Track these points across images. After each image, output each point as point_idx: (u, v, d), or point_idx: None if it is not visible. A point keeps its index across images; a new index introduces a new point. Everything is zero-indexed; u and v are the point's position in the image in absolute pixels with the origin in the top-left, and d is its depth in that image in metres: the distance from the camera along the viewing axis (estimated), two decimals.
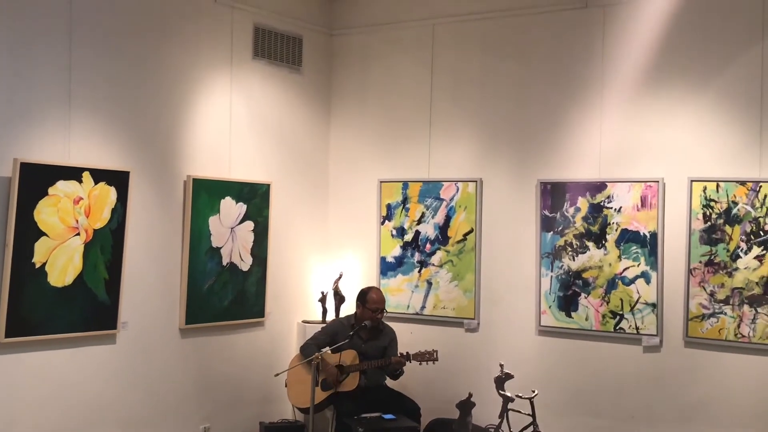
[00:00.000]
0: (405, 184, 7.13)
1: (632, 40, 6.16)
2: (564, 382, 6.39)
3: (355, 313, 6.60)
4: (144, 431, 6.01)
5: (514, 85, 6.68)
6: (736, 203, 5.74)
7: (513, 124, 6.68)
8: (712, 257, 5.82)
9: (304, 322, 7.17)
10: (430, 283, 7.00)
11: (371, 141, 7.39)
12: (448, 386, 6.72)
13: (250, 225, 6.72)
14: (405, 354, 6.34)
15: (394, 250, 7.17)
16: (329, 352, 6.14)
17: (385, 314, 6.59)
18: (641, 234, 6.10)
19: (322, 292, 7.21)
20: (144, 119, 5.99)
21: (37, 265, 5.23)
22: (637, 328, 6.10)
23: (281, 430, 6.75)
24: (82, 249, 5.47)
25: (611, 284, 6.20)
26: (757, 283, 5.67)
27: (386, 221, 7.22)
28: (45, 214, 5.25)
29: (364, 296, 6.55)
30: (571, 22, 6.44)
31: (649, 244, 6.06)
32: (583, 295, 6.31)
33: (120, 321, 5.73)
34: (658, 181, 6.03)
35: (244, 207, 6.66)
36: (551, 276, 6.43)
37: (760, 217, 5.66)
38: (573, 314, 6.34)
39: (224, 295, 6.55)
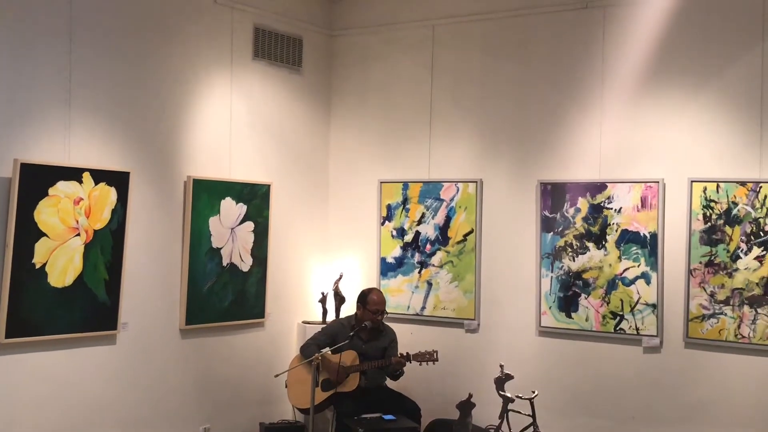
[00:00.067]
0: (405, 185, 7.13)
1: (632, 41, 6.16)
2: (564, 382, 6.38)
3: (356, 313, 6.58)
4: None
5: (514, 85, 6.68)
6: (736, 204, 5.73)
7: (513, 124, 6.68)
8: (713, 258, 5.82)
9: (304, 322, 7.17)
10: (430, 284, 7.00)
11: (371, 141, 7.39)
12: (448, 387, 6.72)
13: (250, 225, 6.71)
14: (405, 355, 6.33)
15: (394, 251, 7.17)
16: (329, 352, 6.14)
17: (385, 316, 6.58)
18: (641, 235, 6.09)
19: (323, 293, 7.20)
20: (144, 120, 5.99)
21: (38, 266, 5.23)
22: (637, 329, 6.09)
23: (281, 430, 6.74)
24: (82, 249, 5.47)
25: (611, 285, 6.20)
26: (757, 284, 5.66)
27: (386, 222, 7.22)
28: (45, 214, 5.24)
29: (364, 297, 6.54)
30: (571, 22, 6.44)
31: (649, 245, 6.06)
32: (583, 295, 6.30)
33: (120, 321, 5.73)
34: (658, 182, 6.03)
35: (245, 207, 6.65)
36: (551, 277, 6.42)
37: (760, 217, 5.66)
38: (573, 315, 6.34)
39: (224, 295, 6.54)
